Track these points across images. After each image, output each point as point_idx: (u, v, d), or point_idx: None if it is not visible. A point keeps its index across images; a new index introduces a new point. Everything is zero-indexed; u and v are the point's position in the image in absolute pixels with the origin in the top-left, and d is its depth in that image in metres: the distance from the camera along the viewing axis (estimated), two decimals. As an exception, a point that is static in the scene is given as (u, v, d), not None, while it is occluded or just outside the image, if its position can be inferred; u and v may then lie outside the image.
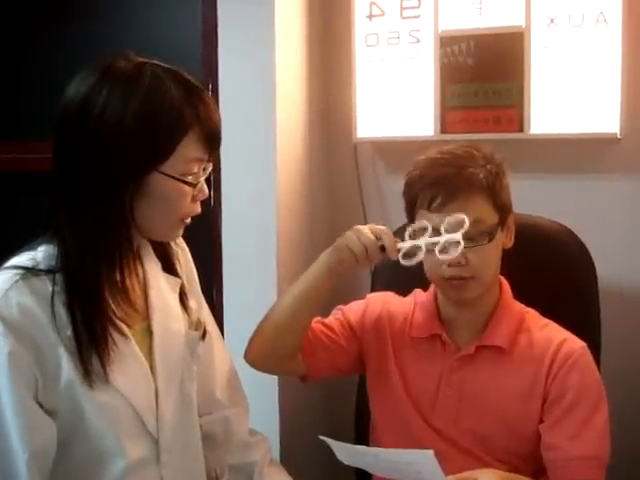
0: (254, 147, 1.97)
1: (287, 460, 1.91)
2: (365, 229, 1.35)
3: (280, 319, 1.47)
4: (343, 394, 1.85)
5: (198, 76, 2.00)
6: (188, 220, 1.23)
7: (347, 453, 1.25)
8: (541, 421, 1.40)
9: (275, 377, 1.92)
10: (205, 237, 2.09)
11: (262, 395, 1.94)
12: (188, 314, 1.34)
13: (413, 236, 1.34)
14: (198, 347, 1.33)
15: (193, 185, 1.18)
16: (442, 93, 2.01)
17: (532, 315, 1.49)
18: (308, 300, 1.45)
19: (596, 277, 1.66)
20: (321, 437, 1.23)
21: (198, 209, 1.23)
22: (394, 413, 1.50)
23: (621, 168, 1.94)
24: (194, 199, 1.20)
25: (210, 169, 1.22)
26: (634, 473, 1.94)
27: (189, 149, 1.15)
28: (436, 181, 1.37)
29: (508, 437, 1.42)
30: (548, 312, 1.50)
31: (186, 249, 1.42)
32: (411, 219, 1.43)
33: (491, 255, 1.40)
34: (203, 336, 1.34)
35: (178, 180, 1.15)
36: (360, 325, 1.55)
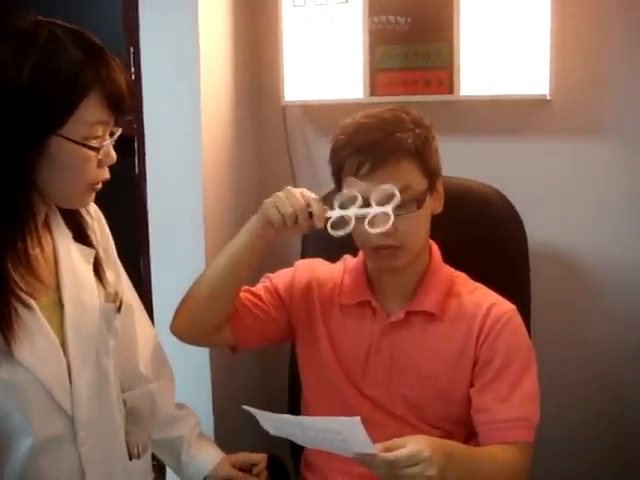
0: (178, 112, 1.91)
1: (221, 431, 1.94)
2: (296, 192, 1.32)
3: (206, 289, 1.43)
4: (276, 362, 1.83)
5: (119, 40, 2.01)
6: (98, 186, 1.18)
7: (272, 423, 1.22)
8: (472, 385, 1.40)
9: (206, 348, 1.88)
10: (131, 206, 2.04)
11: (193, 366, 1.92)
12: (104, 286, 1.28)
13: (342, 205, 1.31)
14: (115, 320, 1.28)
15: (96, 149, 1.12)
16: (371, 55, 1.98)
17: (462, 279, 1.49)
18: (236, 268, 1.41)
19: (526, 240, 1.67)
20: (245, 407, 1.19)
21: (106, 174, 1.17)
22: (324, 381, 1.48)
23: (551, 130, 1.94)
24: (100, 164, 1.15)
25: (118, 133, 1.17)
26: (563, 431, 1.97)
27: (90, 111, 1.09)
28: (363, 147, 1.33)
29: (439, 402, 1.42)
30: (478, 276, 1.49)
31: (102, 219, 1.35)
32: (338, 185, 1.40)
33: (420, 222, 1.38)
34: (119, 308, 1.29)
35: (80, 144, 1.10)
36: (288, 293, 1.52)
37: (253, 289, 1.52)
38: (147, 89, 1.92)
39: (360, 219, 1.29)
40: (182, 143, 1.91)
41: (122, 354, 1.34)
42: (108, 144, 1.15)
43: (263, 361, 2.20)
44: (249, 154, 2.18)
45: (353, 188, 1.33)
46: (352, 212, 1.30)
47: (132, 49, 1.97)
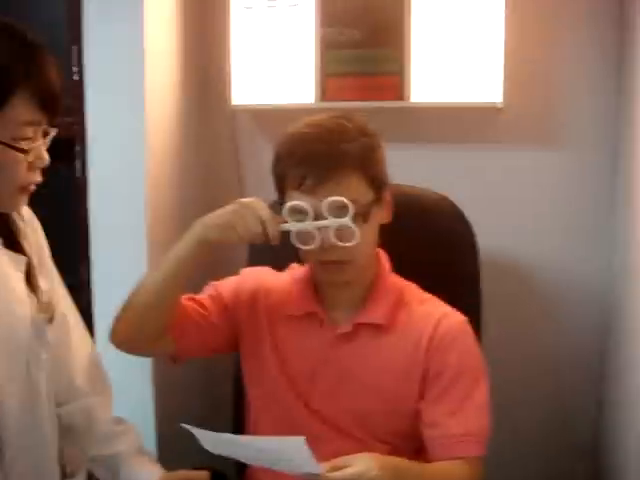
0: (121, 114, 1.84)
1: (164, 445, 1.88)
2: (252, 211, 1.27)
3: (146, 296, 1.37)
4: (221, 373, 1.78)
5: (62, 39, 1.94)
6: (32, 188, 1.12)
7: (213, 442, 1.17)
8: (421, 398, 1.37)
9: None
10: (71, 210, 1.96)
11: (135, 377, 1.86)
12: (36, 296, 1.22)
13: (291, 217, 1.28)
14: (47, 332, 1.22)
15: (25, 151, 1.05)
16: (322, 59, 1.94)
17: (412, 289, 1.46)
18: (177, 275, 1.35)
19: (477, 250, 1.65)
20: (184, 425, 1.14)
21: (37, 178, 1.12)
22: (269, 393, 1.44)
23: (502, 139, 1.94)
24: (31, 167, 1.09)
25: (52, 134, 1.11)
26: (515, 446, 1.96)
27: (18, 111, 1.04)
28: (305, 160, 1.29)
29: (388, 416, 1.39)
30: (429, 286, 1.46)
31: (37, 224, 1.29)
32: (281, 196, 1.36)
33: (366, 236, 1.34)
34: (51, 319, 1.23)
35: (7, 145, 1.04)
36: (233, 302, 1.47)
37: (197, 297, 1.47)
38: (90, 90, 1.85)
39: (323, 233, 1.27)
40: (125, 146, 1.85)
41: (56, 367, 1.28)
42: (39, 146, 1.09)
43: (208, 372, 2.14)
44: (195, 158, 2.12)
45: (295, 202, 1.29)
46: (310, 225, 1.27)
47: (75, 48, 1.89)
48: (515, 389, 1.98)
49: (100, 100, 1.85)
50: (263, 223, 1.26)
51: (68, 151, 1.92)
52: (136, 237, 1.86)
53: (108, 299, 1.41)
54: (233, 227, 1.27)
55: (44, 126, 1.10)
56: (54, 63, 1.09)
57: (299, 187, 1.29)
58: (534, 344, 2.00)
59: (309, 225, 1.27)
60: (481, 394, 1.36)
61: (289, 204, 1.29)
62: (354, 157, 1.30)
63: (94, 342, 1.58)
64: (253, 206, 1.28)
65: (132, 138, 1.84)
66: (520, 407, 2.00)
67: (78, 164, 1.93)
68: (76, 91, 1.87)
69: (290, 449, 1.09)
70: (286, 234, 1.29)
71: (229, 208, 1.29)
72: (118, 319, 1.40)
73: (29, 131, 1.06)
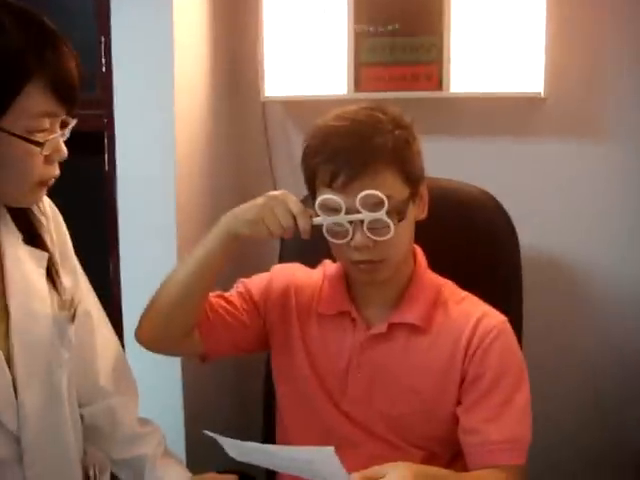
0: (150, 107, 1.81)
1: (192, 447, 1.86)
2: (282, 204, 1.22)
3: (173, 293, 1.33)
4: (252, 373, 1.74)
5: (90, 30, 1.92)
6: (50, 182, 1.08)
7: (239, 450, 1.11)
8: (459, 403, 1.31)
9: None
10: (99, 205, 1.95)
11: (163, 377, 1.84)
12: (58, 292, 1.18)
13: (323, 213, 1.23)
14: (69, 330, 1.17)
15: (41, 144, 1.01)
16: (356, 48, 1.88)
17: (449, 288, 1.39)
18: (204, 270, 1.31)
19: (518, 247, 1.59)
20: (207, 432, 1.09)
21: (55, 171, 1.07)
22: (300, 395, 1.40)
23: (545, 130, 1.88)
24: (48, 160, 1.04)
25: (71, 125, 1.06)
26: (556, 452, 1.89)
27: (33, 101, 0.99)
28: (336, 155, 1.22)
29: (423, 420, 1.33)
30: (467, 284, 1.41)
31: (59, 219, 1.25)
32: (312, 193, 1.30)
33: (402, 234, 1.27)
34: (73, 317, 1.19)
35: (21, 138, 0.99)
36: (264, 300, 1.42)
37: (226, 295, 1.43)
38: (118, 82, 1.83)
39: (358, 227, 1.22)
40: (154, 139, 1.83)
41: (79, 366, 1.24)
42: (57, 138, 1.04)
43: (238, 372, 2.11)
44: (226, 152, 2.09)
45: (326, 201, 1.24)
46: (342, 218, 1.21)
47: (103, 39, 1.88)
48: (555, 391, 1.93)
49: (129, 92, 1.83)
50: (294, 217, 1.21)
51: (96, 144, 1.91)
52: (166, 232, 1.84)
53: (137, 296, 1.37)
54: (263, 221, 1.22)
55: (62, 117, 1.05)
56: (72, 52, 1.04)
57: (330, 184, 1.23)
58: (575, 344, 1.95)
59: (342, 218, 1.22)
60: (522, 399, 1.30)
61: (320, 199, 1.24)
62: (388, 152, 1.23)
63: (122, 340, 1.57)
64: (283, 199, 1.23)
65: (161, 131, 1.81)
66: (560, 409, 1.95)
67: (106, 158, 1.92)
68: (104, 83, 1.87)
69: (318, 459, 1.03)
70: (318, 229, 1.24)
71: (259, 201, 1.25)
72: (144, 317, 1.36)
73: (45, 122, 1.02)
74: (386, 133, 1.24)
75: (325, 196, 1.23)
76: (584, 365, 1.95)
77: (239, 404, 2.10)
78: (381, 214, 1.20)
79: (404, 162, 1.25)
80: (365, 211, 1.20)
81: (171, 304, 1.33)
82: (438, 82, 1.83)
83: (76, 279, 1.26)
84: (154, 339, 1.37)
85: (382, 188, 1.21)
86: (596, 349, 1.93)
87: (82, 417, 1.27)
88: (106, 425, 1.30)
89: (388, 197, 1.21)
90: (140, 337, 1.37)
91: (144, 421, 1.38)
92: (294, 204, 1.23)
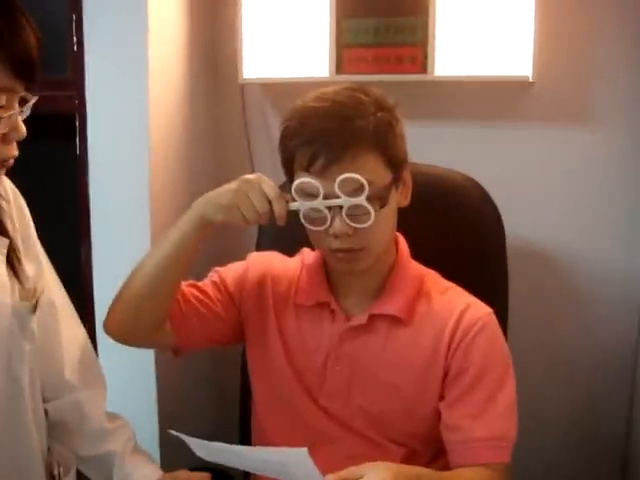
0: (124, 88, 1.75)
1: (167, 443, 1.79)
2: (258, 188, 1.17)
3: (143, 282, 1.27)
4: (230, 365, 1.68)
5: (60, 6, 1.84)
6: (9, 163, 1.03)
7: (207, 450, 1.06)
8: (441, 398, 1.27)
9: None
10: (71, 190, 1.89)
11: (136, 369, 1.79)
12: (20, 281, 1.12)
13: (300, 198, 1.19)
14: (31, 321, 1.12)
15: None
16: (338, 29, 1.82)
17: (432, 278, 1.35)
18: (176, 257, 1.26)
19: (504, 235, 1.55)
20: (172, 432, 1.03)
21: (13, 151, 1.01)
22: (276, 389, 1.35)
23: (533, 115, 1.83)
24: (5, 139, 0.99)
25: (31, 103, 1.00)
26: (540, 448, 1.86)
27: None
28: (315, 137, 1.17)
29: (404, 416, 1.29)
30: (451, 274, 1.37)
31: (22, 203, 1.20)
32: (289, 177, 1.25)
33: (384, 221, 1.23)
34: (34, 307, 1.13)
35: None
36: (239, 290, 1.37)
37: (200, 284, 1.37)
38: (90, 61, 1.76)
39: (336, 213, 1.17)
40: (128, 122, 1.76)
41: (44, 359, 1.20)
42: (15, 115, 0.98)
43: (215, 363, 2.07)
44: (203, 136, 2.04)
45: (304, 186, 1.19)
46: (320, 203, 1.16)
47: (74, 16, 1.80)
48: (541, 385, 1.90)
49: (101, 72, 1.76)
50: (269, 201, 1.17)
51: (68, 128, 1.85)
52: (140, 218, 1.79)
53: (109, 286, 1.32)
54: (237, 207, 1.17)
55: (21, 93, 0.99)
56: (33, 27, 0.98)
57: (308, 168, 1.18)
58: (561, 337, 1.91)
59: (319, 203, 1.16)
60: (507, 394, 1.26)
61: (297, 182, 1.19)
62: (370, 135, 1.18)
63: (94, 332, 1.53)
64: (258, 182, 1.18)
65: (135, 113, 1.75)
66: (546, 404, 1.91)
67: (77, 141, 1.85)
68: (75, 62, 1.80)
69: (292, 461, 0.98)
70: (296, 215, 1.20)
71: (232, 186, 1.19)
72: (112, 307, 1.31)
73: (2, 99, 0.95)
74: (368, 115, 1.19)
75: (302, 179, 1.18)
76: (572, 363, 1.91)
77: (216, 397, 2.06)
78: (361, 199, 1.15)
79: (386, 145, 1.20)
80: (344, 196, 1.15)
81: (141, 293, 1.28)
82: (422, 65, 1.78)
83: (40, 267, 1.21)
84: (123, 331, 1.32)
85: (363, 172, 1.16)
86: (584, 345, 1.89)
87: (47, 412, 1.23)
88: (73, 420, 1.26)
89: (369, 182, 1.16)
90: (109, 329, 1.32)
91: (113, 416, 1.33)
92: (270, 188, 1.18)
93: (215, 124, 2.07)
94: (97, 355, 1.69)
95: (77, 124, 1.83)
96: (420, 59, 1.77)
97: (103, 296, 1.78)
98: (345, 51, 1.83)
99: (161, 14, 1.78)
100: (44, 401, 1.21)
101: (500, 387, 1.25)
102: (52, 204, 1.64)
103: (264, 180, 1.19)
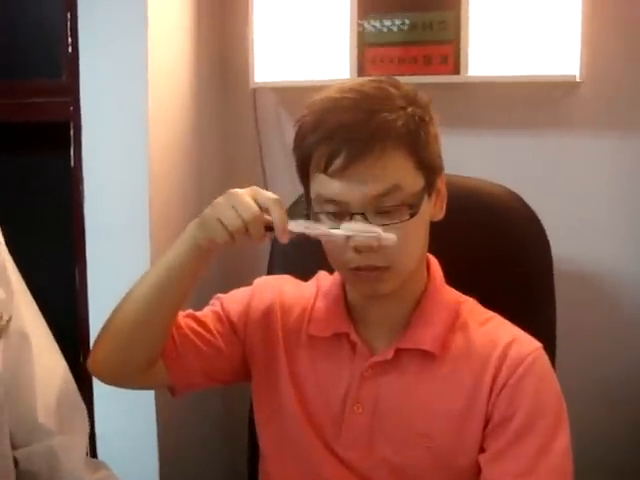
0: (122, 91, 1.68)
1: None
2: (245, 196, 1.04)
3: (133, 313, 1.14)
4: (241, 402, 1.53)
5: (53, 6, 1.75)
6: None
7: None
8: (482, 450, 1.11)
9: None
10: (64, 204, 1.80)
11: (135, 405, 1.68)
12: None
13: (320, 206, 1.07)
14: None
15: None
16: (359, 26, 1.74)
17: (470, 306, 1.20)
18: (171, 286, 1.13)
19: (551, 259, 1.40)
20: None
21: None
22: (286, 436, 1.20)
23: (580, 120, 1.73)
24: None
25: None
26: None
27: None
28: (335, 132, 1.04)
29: (436, 471, 1.13)
30: (491, 302, 1.22)
31: None
32: (305, 183, 1.12)
33: (414, 234, 1.09)
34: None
35: None
36: (243, 320, 1.23)
37: (198, 314, 1.23)
38: (85, 64, 1.69)
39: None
40: (126, 130, 1.69)
41: (13, 399, 1.09)
42: None
43: (224, 400, 1.97)
44: (211, 145, 1.98)
45: (322, 190, 1.06)
46: (329, 234, 1.04)
47: (69, 15, 1.72)
48: (592, 420, 1.74)
49: (98, 76, 1.69)
50: (263, 206, 1.03)
51: (63, 136, 1.75)
52: (139, 236, 1.72)
53: (107, 309, 1.20)
54: (218, 220, 1.04)
55: None
56: None
57: (326, 169, 1.05)
58: (613, 367, 1.78)
59: (327, 234, 1.04)
60: (561, 445, 1.09)
61: (315, 190, 1.06)
62: (399, 130, 1.04)
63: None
64: (248, 191, 1.05)
65: (134, 120, 1.68)
66: (601, 441, 1.78)
67: (72, 151, 1.76)
68: (70, 66, 1.72)
69: None
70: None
71: (218, 199, 1.07)
72: (98, 342, 1.18)
73: None
74: (397, 109, 1.06)
75: (320, 186, 1.05)
76: (624, 385, 1.78)
77: (227, 438, 1.96)
78: (376, 235, 1.02)
79: (418, 145, 1.07)
80: (360, 223, 1.03)
81: (130, 326, 1.14)
82: (455, 65, 1.68)
83: (9, 293, 1.10)
84: (109, 371, 1.19)
85: (389, 174, 1.03)
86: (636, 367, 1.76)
87: (16, 461, 1.10)
88: (44, 471, 1.13)
89: (396, 186, 1.03)
90: (93, 368, 1.19)
91: (96, 465, 1.20)
92: (263, 195, 1.04)
93: (225, 133, 2.01)
94: (90, 392, 1.56)
95: (71, 133, 1.75)
96: (452, 58, 1.69)
97: (99, 321, 1.68)
98: (367, 51, 1.76)
99: (163, 13, 1.71)
100: (13, 448, 1.09)
101: (553, 437, 1.09)
102: (43, 220, 1.54)
103: (258, 190, 1.06)
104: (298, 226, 1.03)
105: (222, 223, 1.02)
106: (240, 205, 1.02)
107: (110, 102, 1.67)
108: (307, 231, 1.03)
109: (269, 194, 1.04)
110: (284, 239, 1.03)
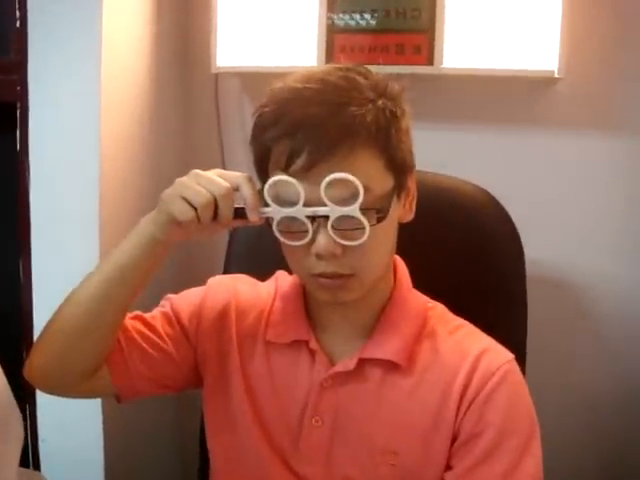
0: (72, 70, 1.56)
1: None
2: (211, 174, 0.97)
3: (76, 316, 1.05)
4: (193, 408, 1.46)
5: None
6: None
7: None
8: (448, 467, 1.05)
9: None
10: (8, 192, 1.69)
11: (79, 411, 1.57)
12: None
13: (277, 204, 0.97)
14: None
15: None
16: (328, 11, 1.66)
17: (439, 313, 1.14)
18: (118, 287, 1.05)
19: (523, 261, 1.35)
20: None
21: None
22: (239, 450, 1.13)
23: (558, 117, 1.68)
24: None
25: None
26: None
27: None
28: (296, 127, 0.96)
29: None
30: (460, 308, 1.17)
31: None
32: (263, 180, 1.03)
33: (382, 239, 1.02)
34: None
35: None
36: (195, 323, 1.15)
37: (147, 316, 1.15)
38: (34, 41, 1.57)
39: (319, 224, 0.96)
40: (76, 112, 1.57)
41: None
42: None
43: (178, 405, 1.88)
44: (170, 131, 1.88)
45: (280, 190, 0.98)
46: (299, 212, 0.95)
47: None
48: (562, 433, 1.71)
49: (47, 54, 1.58)
50: (230, 181, 0.96)
51: (6, 117, 1.62)
52: (88, 226, 1.60)
53: (53, 306, 1.10)
54: (180, 196, 0.95)
55: None
56: None
57: (287, 167, 0.96)
58: (583, 379, 1.75)
59: (298, 211, 0.95)
60: (532, 463, 1.03)
61: (271, 182, 0.96)
62: (368, 126, 0.97)
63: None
64: (214, 171, 0.98)
65: (85, 103, 1.56)
66: (561, 448, 1.71)
67: (18, 134, 1.64)
68: (19, 42, 1.59)
69: None
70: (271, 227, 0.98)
71: (181, 178, 0.99)
72: (36, 347, 1.09)
73: None
74: (366, 102, 0.97)
75: (277, 178, 0.96)
76: (594, 399, 1.75)
77: (176, 451, 1.90)
78: (353, 209, 0.94)
79: (388, 142, 0.99)
80: (332, 205, 0.94)
81: (73, 332, 1.05)
82: (428, 55, 1.61)
83: None
84: (48, 378, 1.10)
85: (357, 174, 0.94)
86: (609, 383, 1.73)
87: None
88: None
89: (365, 188, 0.94)
90: (29, 374, 1.10)
91: (30, 477, 1.16)
92: (230, 173, 0.98)
93: (184, 119, 1.92)
94: (33, 395, 1.49)
95: (18, 114, 1.62)
96: (426, 48, 1.61)
97: (44, 319, 1.61)
98: (337, 37, 1.67)
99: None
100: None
101: (524, 455, 1.03)
102: None
103: (224, 171, 0.99)
104: (271, 210, 0.96)
105: (187, 200, 0.94)
106: (207, 181, 0.95)
107: (60, 82, 1.56)
108: (280, 211, 0.96)
109: (238, 173, 0.97)
110: (255, 217, 0.96)
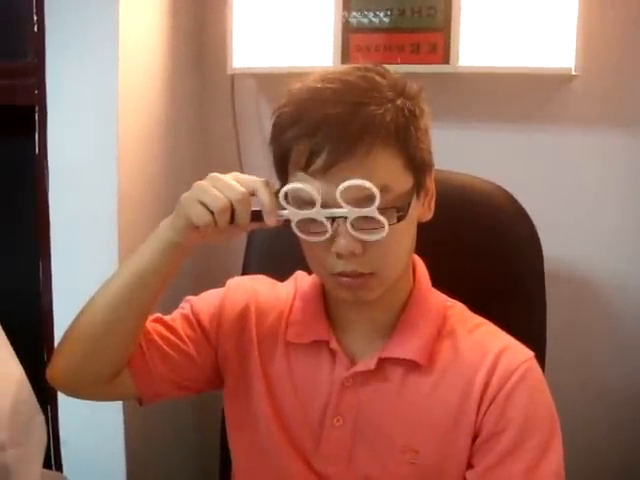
0: (90, 74, 1.57)
1: None
2: (228, 178, 0.98)
3: (97, 320, 1.06)
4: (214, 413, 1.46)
5: None
6: None
7: None
8: (470, 466, 1.05)
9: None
10: (28, 194, 1.70)
11: (101, 416, 1.59)
12: None
13: (292, 206, 0.98)
14: None
15: None
16: (344, 11, 1.66)
17: (458, 311, 1.14)
18: (139, 291, 1.05)
19: (542, 260, 1.34)
20: None
21: None
22: (260, 449, 1.13)
23: (575, 115, 1.67)
24: None
25: None
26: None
27: None
28: (318, 127, 0.96)
29: None
30: (479, 306, 1.16)
31: None
32: (282, 180, 1.03)
33: (402, 239, 1.02)
34: None
35: None
36: (215, 325, 1.15)
37: (167, 318, 1.15)
38: (52, 44, 1.59)
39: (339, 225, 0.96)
40: (95, 116, 1.58)
41: None
42: None
43: (197, 406, 1.89)
44: (187, 133, 1.90)
45: (300, 190, 0.98)
46: (318, 213, 0.95)
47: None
48: (582, 429, 1.70)
49: (65, 57, 1.59)
50: (247, 186, 0.96)
51: (25, 121, 1.64)
52: (107, 228, 1.61)
53: (73, 308, 1.11)
54: (197, 200, 0.96)
55: None
56: None
57: (306, 167, 0.96)
58: (602, 376, 1.74)
59: (317, 213, 0.95)
60: (554, 460, 1.03)
61: (287, 187, 0.97)
62: (387, 126, 0.96)
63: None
64: (230, 175, 0.99)
65: (103, 105, 1.58)
66: (593, 455, 1.74)
67: (37, 137, 1.65)
68: (36, 46, 1.61)
69: None
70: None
71: (199, 183, 1.00)
72: (58, 350, 1.09)
73: None
74: (385, 101, 0.97)
75: (294, 185, 0.96)
76: (612, 396, 1.74)
77: (196, 451, 1.88)
78: (371, 210, 0.94)
79: (407, 141, 0.98)
80: (349, 207, 0.94)
81: (95, 335, 1.06)
82: (444, 54, 1.61)
83: None
84: (71, 381, 1.10)
85: (376, 173, 0.95)
86: (628, 379, 1.72)
87: None
88: None
89: (385, 187, 0.95)
90: (52, 377, 1.10)
91: (52, 477, 1.19)
92: (248, 177, 0.98)
93: (201, 120, 1.92)
94: (55, 396, 1.48)
95: (36, 117, 1.64)
96: (442, 47, 1.61)
97: (65, 321, 1.62)
98: (352, 37, 1.67)
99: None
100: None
101: (545, 452, 1.02)
102: (5, 212, 1.43)
103: (241, 174, 0.99)
104: (288, 213, 0.96)
105: (204, 204, 0.95)
106: (225, 186, 0.95)
107: (78, 85, 1.58)
108: (297, 213, 0.96)
109: (254, 177, 0.98)
110: (272, 221, 0.96)
